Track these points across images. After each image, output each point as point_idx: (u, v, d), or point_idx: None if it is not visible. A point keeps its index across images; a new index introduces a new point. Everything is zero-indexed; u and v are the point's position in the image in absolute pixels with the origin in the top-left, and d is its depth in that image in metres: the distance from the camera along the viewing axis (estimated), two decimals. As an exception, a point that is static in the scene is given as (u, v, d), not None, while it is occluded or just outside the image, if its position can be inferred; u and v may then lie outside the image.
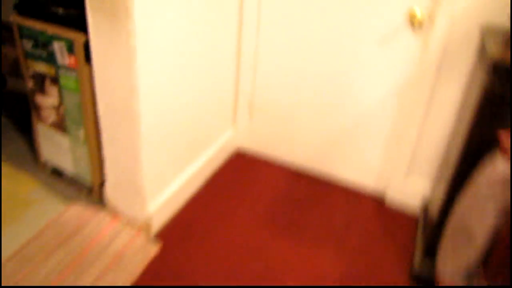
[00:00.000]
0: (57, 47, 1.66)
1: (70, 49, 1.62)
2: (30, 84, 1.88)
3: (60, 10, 1.68)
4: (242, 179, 2.18)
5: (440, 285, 1.45)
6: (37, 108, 1.92)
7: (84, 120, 1.74)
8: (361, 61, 1.89)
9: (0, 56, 2.59)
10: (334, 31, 1.89)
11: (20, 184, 2.02)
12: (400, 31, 1.76)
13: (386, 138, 2.00)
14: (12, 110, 2.57)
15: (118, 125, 1.60)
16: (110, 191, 1.82)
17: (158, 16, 1.44)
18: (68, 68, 1.67)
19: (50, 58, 1.71)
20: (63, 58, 1.66)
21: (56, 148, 1.96)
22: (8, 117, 2.53)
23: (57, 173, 2.05)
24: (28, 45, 1.78)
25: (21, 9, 1.78)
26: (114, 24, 1.40)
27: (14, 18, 1.77)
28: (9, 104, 2.62)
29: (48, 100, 1.84)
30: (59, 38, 1.64)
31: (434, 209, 1.68)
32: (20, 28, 1.77)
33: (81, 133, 1.79)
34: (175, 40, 1.57)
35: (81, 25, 1.56)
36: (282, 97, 2.14)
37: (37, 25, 1.70)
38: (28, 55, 1.81)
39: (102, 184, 1.88)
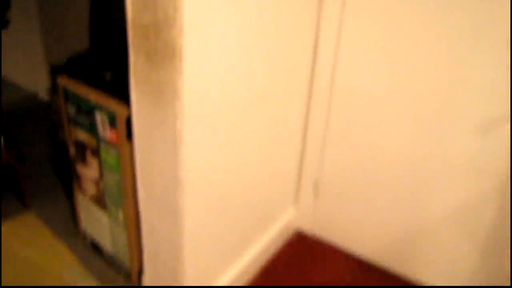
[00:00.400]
0: (99, 118, 1.44)
1: (112, 122, 1.39)
2: (72, 151, 1.69)
3: (108, 76, 1.47)
4: (302, 267, 1.82)
5: None
6: (78, 177, 1.72)
7: (124, 202, 1.50)
8: (454, 146, 1.50)
9: (53, 106, 2.48)
10: (422, 109, 1.52)
11: (56, 255, 1.82)
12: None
13: (484, 241, 1.56)
14: (63, 163, 2.42)
15: (159, 215, 1.33)
16: (149, 283, 1.55)
17: (212, 96, 1.17)
18: (109, 143, 1.45)
19: (92, 128, 1.50)
20: (105, 130, 1.44)
21: (95, 222, 1.73)
22: (57, 171, 2.38)
23: (95, 247, 1.82)
24: (71, 110, 1.59)
25: (68, 70, 1.60)
26: (160, 104, 1.15)
27: (60, 80, 1.60)
28: (61, 155, 2.48)
29: (88, 172, 1.63)
30: (101, 109, 1.42)
31: None
32: (65, 91, 1.59)
33: (120, 214, 1.55)
34: (230, 120, 1.29)
35: (128, 94, 1.33)
36: (353, 179, 1.78)
37: (81, 91, 1.50)
38: (71, 121, 1.61)
39: (141, 271, 1.61)
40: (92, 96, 1.45)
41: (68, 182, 2.24)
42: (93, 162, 1.58)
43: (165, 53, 1.09)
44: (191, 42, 1.06)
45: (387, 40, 1.51)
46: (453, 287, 1.68)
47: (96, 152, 1.54)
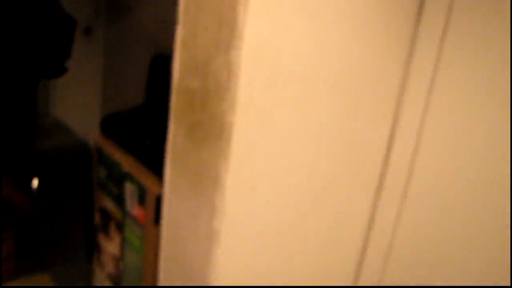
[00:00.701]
0: (128, 190, 1.22)
1: (142, 198, 1.17)
2: (96, 218, 1.48)
3: (148, 142, 1.27)
4: None
5: None
6: (99, 249, 1.49)
7: (142, 294, 1.24)
8: None
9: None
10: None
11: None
12: None
13: None
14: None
15: (180, 324, 1.06)
16: None
17: (262, 189, 0.92)
18: (135, 220, 1.22)
19: (120, 199, 1.29)
20: (132, 206, 1.22)
21: (110, 304, 1.48)
22: (86, 231, 2.18)
23: (107, 331, 1.56)
24: (102, 173, 1.39)
25: (105, 128, 1.43)
26: (197, 191, 0.91)
27: (95, 138, 1.42)
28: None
29: (109, 246, 1.40)
30: (132, 179, 1.20)
31: None
32: (99, 150, 1.40)
33: (137, 306, 1.29)
34: (281, 219, 1.01)
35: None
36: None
37: (115, 154, 1.30)
38: (100, 185, 1.42)
39: None
40: (125, 163, 1.25)
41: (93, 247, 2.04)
42: (115, 237, 1.35)
43: (211, 129, 0.87)
44: (243, 120, 0.83)
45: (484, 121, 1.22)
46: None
47: (120, 227, 1.32)
